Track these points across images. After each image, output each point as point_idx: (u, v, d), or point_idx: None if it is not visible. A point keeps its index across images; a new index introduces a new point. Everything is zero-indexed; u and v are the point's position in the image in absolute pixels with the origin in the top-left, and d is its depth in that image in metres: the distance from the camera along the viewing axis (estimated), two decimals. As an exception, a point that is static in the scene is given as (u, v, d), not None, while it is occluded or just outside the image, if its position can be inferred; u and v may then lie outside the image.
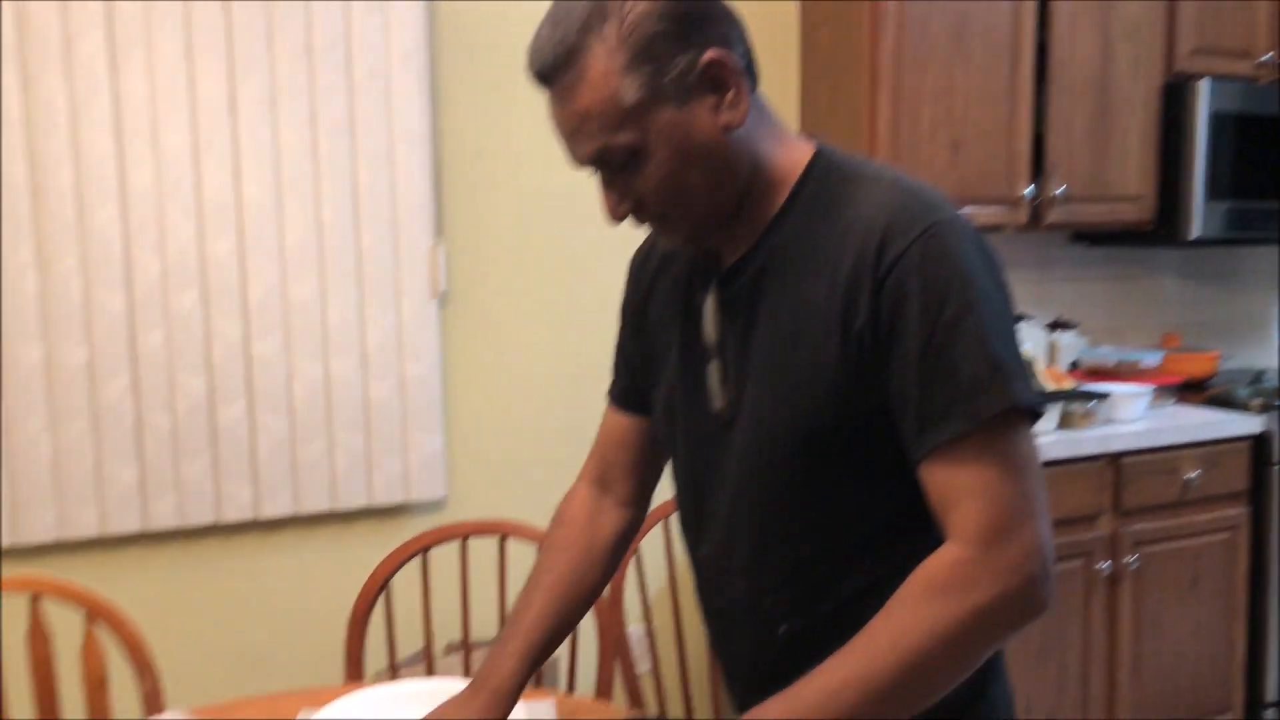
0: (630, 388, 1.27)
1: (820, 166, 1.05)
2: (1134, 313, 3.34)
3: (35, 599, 1.63)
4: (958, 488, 0.93)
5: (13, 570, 1.97)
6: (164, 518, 2.28)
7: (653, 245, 1.23)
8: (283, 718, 1.42)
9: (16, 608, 1.69)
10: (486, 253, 2.55)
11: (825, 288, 0.99)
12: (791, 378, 1.00)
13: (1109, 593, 2.61)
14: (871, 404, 0.97)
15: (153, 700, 1.64)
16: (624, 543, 1.30)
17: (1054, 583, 0.94)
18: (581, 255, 2.63)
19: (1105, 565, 2.58)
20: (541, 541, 1.30)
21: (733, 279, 1.07)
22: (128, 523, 2.25)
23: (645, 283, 1.21)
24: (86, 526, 2.22)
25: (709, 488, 1.12)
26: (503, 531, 1.97)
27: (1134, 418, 2.69)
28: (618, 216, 1.03)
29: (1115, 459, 2.59)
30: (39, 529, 2.18)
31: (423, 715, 1.37)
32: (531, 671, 1.19)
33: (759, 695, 0.99)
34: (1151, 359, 2.96)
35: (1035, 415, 0.95)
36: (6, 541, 2.15)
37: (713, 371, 1.09)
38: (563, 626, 1.23)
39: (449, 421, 2.54)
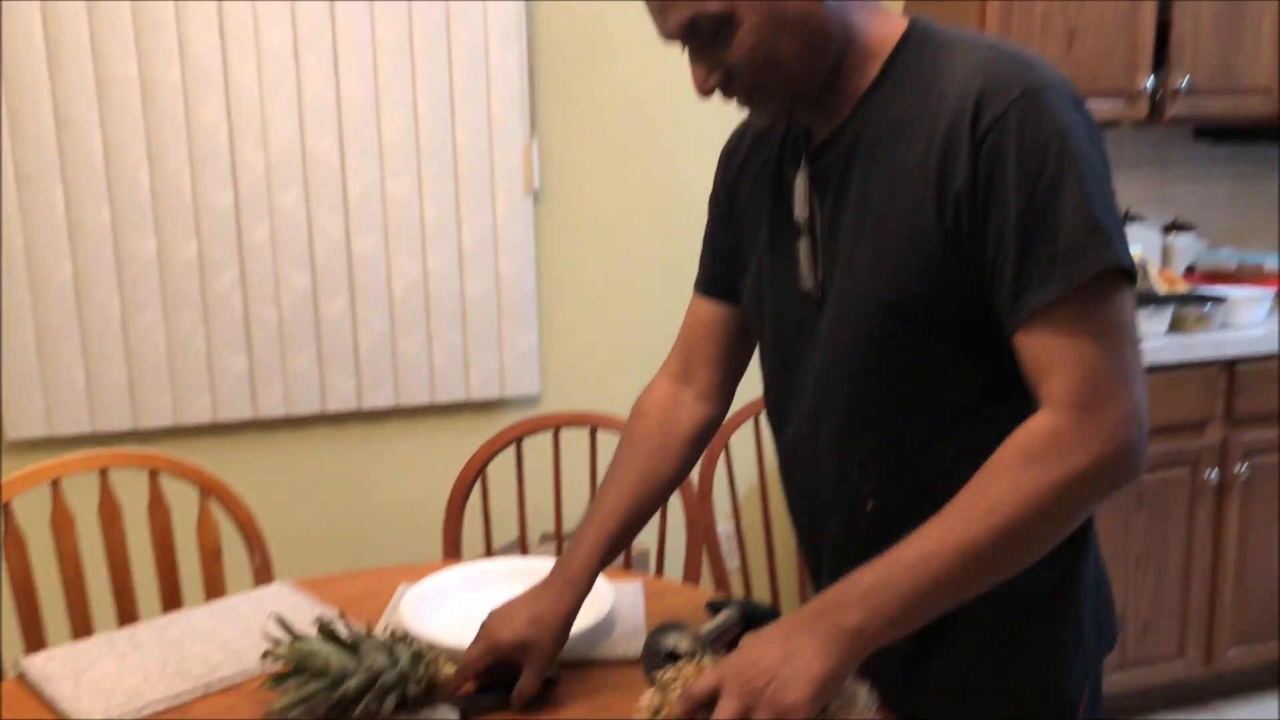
0: (716, 276, 1.26)
1: (915, 37, 1.01)
2: (1259, 214, 3.17)
3: (153, 475, 1.73)
4: (1053, 355, 0.92)
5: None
6: (272, 406, 2.37)
7: (741, 135, 1.22)
8: (382, 590, 1.49)
9: (138, 482, 1.79)
10: (580, 149, 2.54)
11: (920, 154, 0.96)
12: (884, 249, 0.99)
13: (1215, 502, 2.54)
14: (966, 272, 0.96)
15: (262, 573, 1.73)
16: (703, 436, 1.29)
17: (1147, 449, 0.92)
18: (675, 151, 2.60)
19: (1212, 474, 2.50)
20: (621, 435, 1.32)
21: (823, 153, 1.05)
22: (239, 410, 2.35)
23: (734, 171, 1.21)
24: (201, 413, 2.33)
25: (797, 369, 1.12)
26: (592, 423, 2.00)
27: (1253, 323, 2.57)
28: (706, 90, 1.02)
29: (1229, 365, 2.48)
30: (158, 414, 2.30)
31: (515, 590, 1.42)
32: (606, 562, 1.22)
33: (845, 574, 1.00)
34: (1275, 262, 2.81)
35: (1133, 278, 0.93)
36: (128, 425, 2.28)
37: (802, 249, 1.08)
38: (637, 519, 1.24)
39: (543, 318, 2.58)
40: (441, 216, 2.41)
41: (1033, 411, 0.94)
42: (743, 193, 1.18)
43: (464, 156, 2.41)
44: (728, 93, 1.02)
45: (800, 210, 1.07)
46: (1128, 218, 2.92)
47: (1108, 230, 0.90)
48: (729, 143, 1.24)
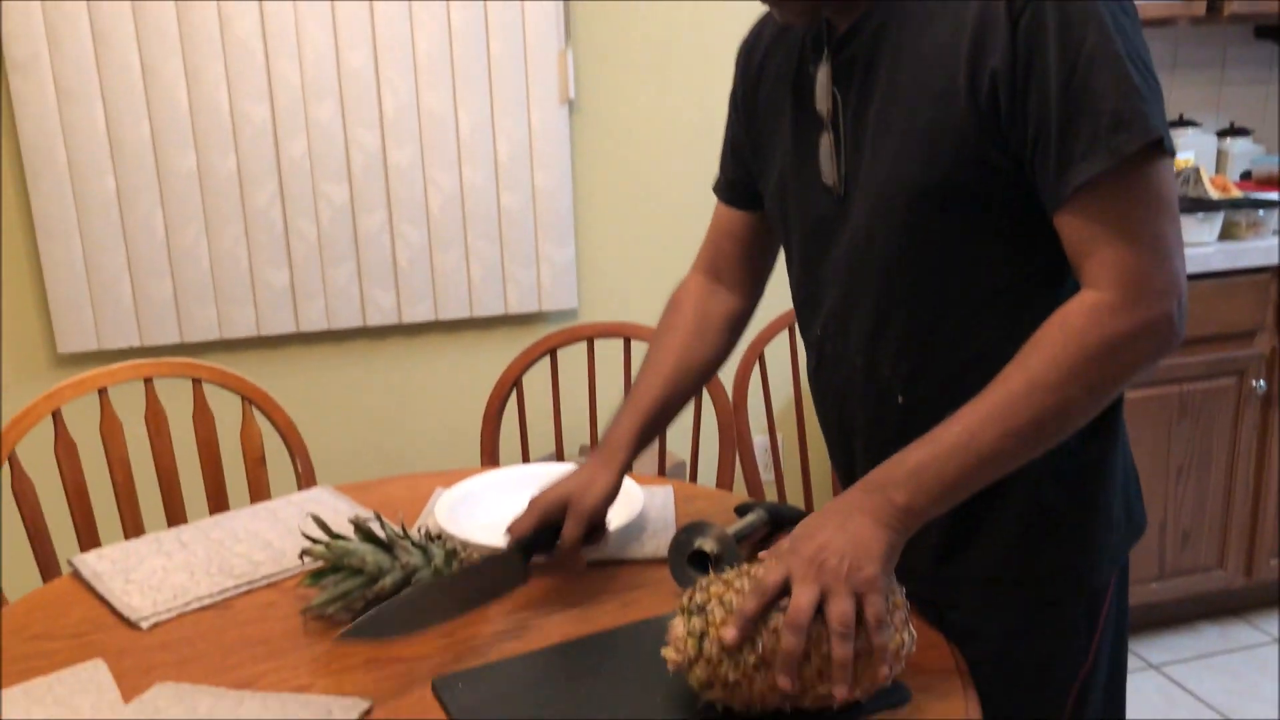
0: (737, 180, 1.26)
1: None
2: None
3: (197, 383, 1.77)
4: (1096, 232, 0.91)
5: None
6: (314, 320, 2.41)
7: (760, 31, 1.19)
8: (419, 494, 1.53)
9: (183, 392, 1.83)
10: (615, 57, 2.50)
11: (949, 36, 0.94)
12: (913, 135, 0.97)
13: (1262, 413, 2.50)
14: (1000, 154, 0.94)
15: (305, 479, 1.78)
16: (737, 324, 1.32)
17: (1185, 318, 0.92)
18: (712, 58, 2.55)
19: (1260, 384, 2.45)
20: (656, 326, 1.33)
21: (847, 43, 1.02)
22: (282, 324, 2.39)
23: (754, 70, 1.19)
24: (245, 326, 2.37)
25: (823, 266, 1.11)
26: (627, 334, 2.01)
27: (1307, 229, 2.49)
28: None
29: (1280, 272, 2.42)
30: (203, 328, 2.34)
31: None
32: (645, 439, 1.24)
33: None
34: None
35: (1173, 152, 0.92)
36: (174, 339, 2.33)
37: (824, 144, 1.06)
38: (675, 398, 1.26)
39: (579, 231, 2.57)
40: (476, 128, 2.40)
41: (1065, 298, 0.94)
42: (764, 90, 1.16)
43: (498, 67, 2.38)
44: None
45: (823, 103, 1.05)
46: (1182, 122, 2.83)
47: (1149, 102, 0.88)
48: (747, 39, 1.21)
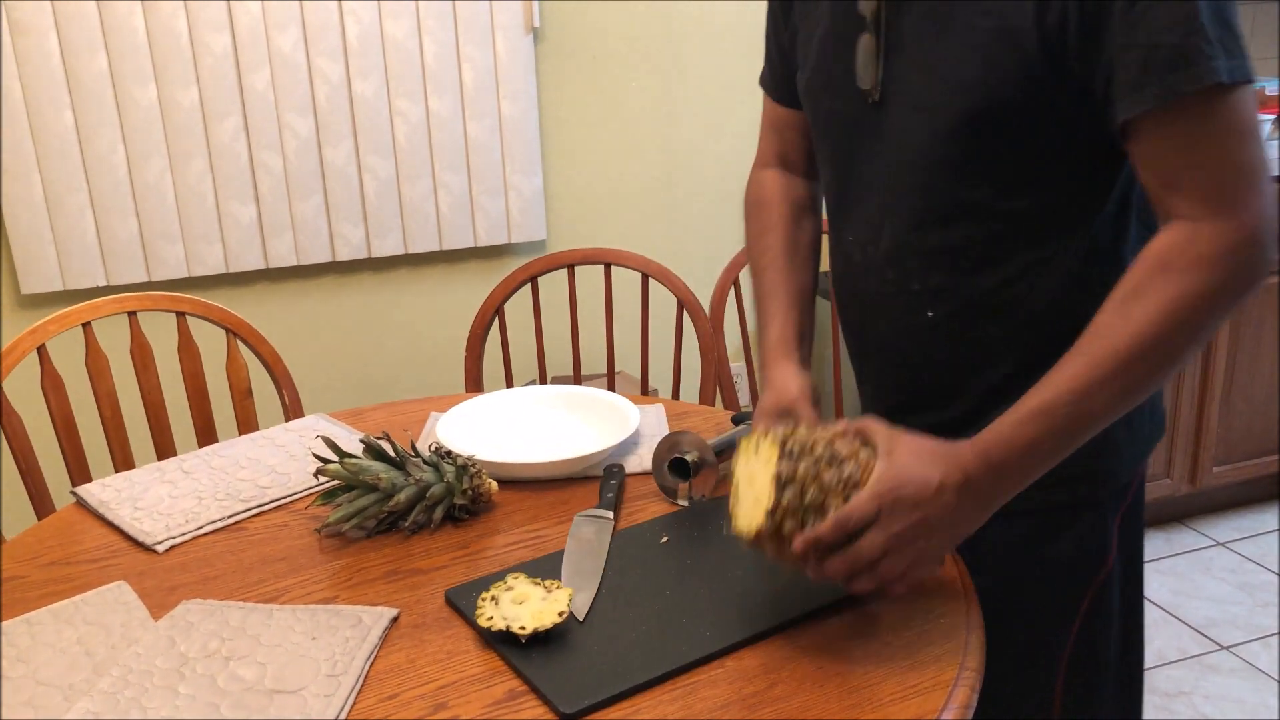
0: (782, 79, 1.21)
1: None
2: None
3: (181, 317, 1.76)
4: (1177, 164, 0.88)
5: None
6: (283, 256, 2.39)
7: None
8: (412, 420, 1.55)
9: (166, 326, 1.82)
10: (579, -15, 2.49)
11: None
12: (971, 50, 0.93)
13: (1208, 327, 2.60)
14: (1061, 78, 0.91)
15: (293, 410, 1.79)
16: (818, 205, 1.27)
17: (1277, 248, 0.88)
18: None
19: (1207, 300, 2.55)
20: (747, 231, 1.28)
21: None
22: (250, 260, 2.37)
23: None
24: (214, 264, 2.35)
25: (857, 171, 1.08)
26: (607, 260, 2.03)
27: (1252, 149, 2.58)
28: None
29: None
30: (171, 266, 2.32)
31: (546, 413, 1.48)
32: (802, 334, 1.17)
33: (898, 382, 1.01)
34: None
35: (1249, 79, 0.88)
36: (142, 277, 2.30)
37: (862, 45, 1.02)
38: (809, 291, 1.21)
39: (546, 161, 2.57)
40: (441, 57, 2.38)
41: (1099, 231, 0.94)
42: None
43: (461, -6, 2.36)
44: None
45: (866, 1, 1.01)
46: None
47: (1217, 45, 0.84)
48: None
